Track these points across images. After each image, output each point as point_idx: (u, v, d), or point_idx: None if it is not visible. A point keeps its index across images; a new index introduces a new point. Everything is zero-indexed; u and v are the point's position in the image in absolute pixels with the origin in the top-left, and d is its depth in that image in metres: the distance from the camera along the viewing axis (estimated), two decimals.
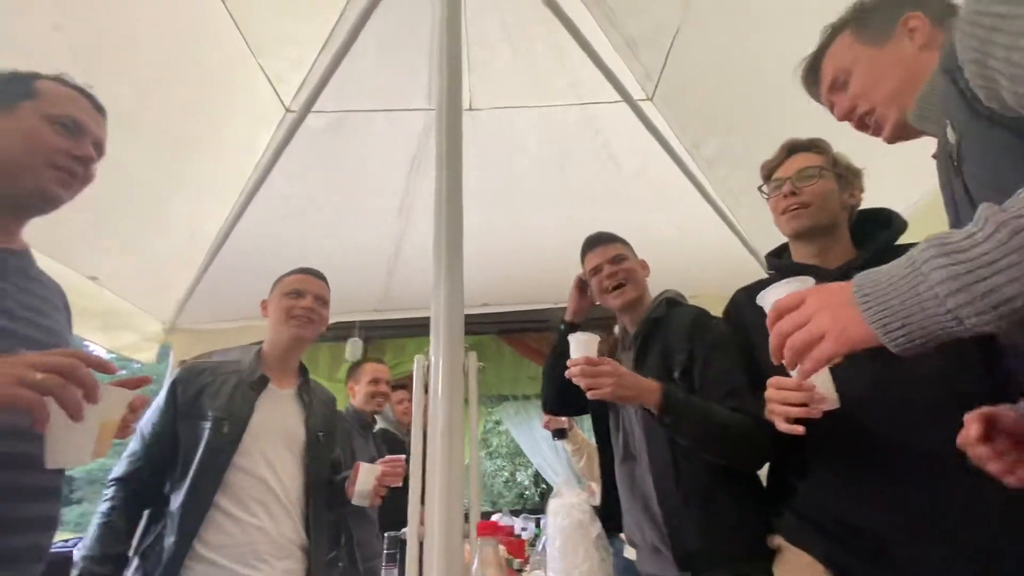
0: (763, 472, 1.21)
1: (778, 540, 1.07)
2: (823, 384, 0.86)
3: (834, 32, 0.84)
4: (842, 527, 0.96)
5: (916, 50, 0.74)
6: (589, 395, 1.12)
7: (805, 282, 0.80)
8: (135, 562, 1.32)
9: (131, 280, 2.28)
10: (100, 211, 1.88)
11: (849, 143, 1.09)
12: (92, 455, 0.82)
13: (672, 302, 1.40)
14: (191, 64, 1.75)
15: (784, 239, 1.23)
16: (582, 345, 1.15)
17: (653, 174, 2.40)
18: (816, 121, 1.13)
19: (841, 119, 0.84)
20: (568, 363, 1.15)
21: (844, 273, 1.08)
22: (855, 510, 0.95)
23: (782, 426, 0.90)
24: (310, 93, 1.87)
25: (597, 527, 0.56)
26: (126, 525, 1.33)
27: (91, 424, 0.74)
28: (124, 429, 0.88)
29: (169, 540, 1.29)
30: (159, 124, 1.82)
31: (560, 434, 1.94)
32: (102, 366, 0.71)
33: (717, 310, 1.38)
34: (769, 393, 0.93)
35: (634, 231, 1.75)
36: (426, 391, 0.83)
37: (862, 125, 0.80)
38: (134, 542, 1.35)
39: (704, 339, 1.26)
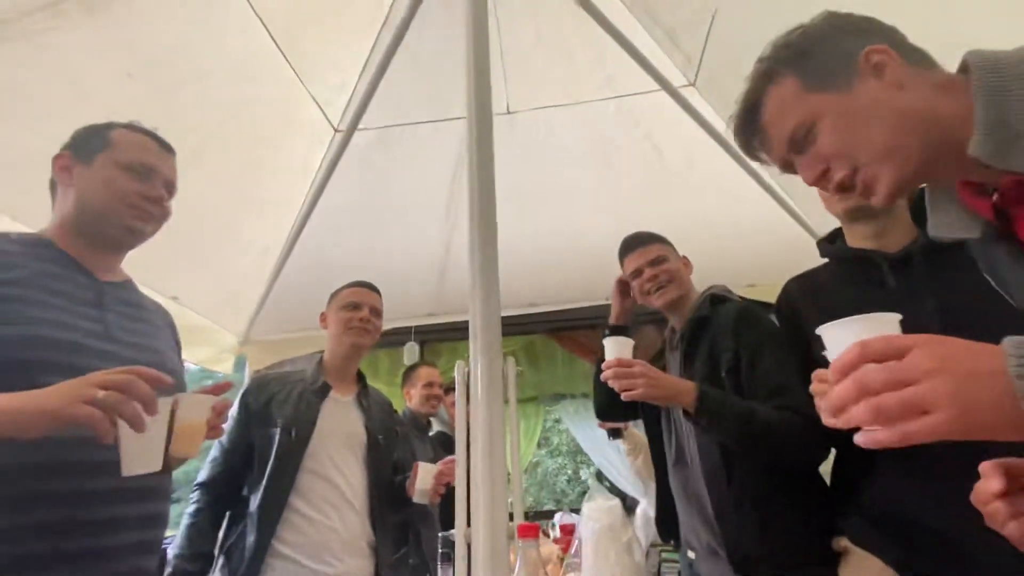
0: (827, 470, 1.15)
1: (844, 542, 1.01)
2: None
3: (768, 79, 0.68)
4: (917, 530, 0.89)
5: (892, 90, 0.60)
6: (623, 396, 1.12)
7: (888, 321, 0.61)
8: (220, 560, 1.44)
9: (208, 298, 2.49)
10: (178, 237, 2.06)
11: None
12: (177, 451, 0.90)
13: (716, 298, 1.34)
14: (249, 97, 1.90)
15: (838, 223, 1.16)
16: (616, 348, 1.15)
17: (699, 161, 2.33)
18: None
19: (812, 184, 0.67)
20: (602, 366, 1.15)
21: (906, 256, 1.00)
22: (930, 512, 0.88)
23: (828, 421, 0.84)
24: (355, 113, 1.96)
25: (629, 531, 0.55)
26: (211, 525, 1.45)
27: (156, 433, 0.81)
28: (213, 431, 0.96)
29: (250, 539, 1.40)
30: (226, 154, 1.97)
31: (615, 434, 1.92)
32: (157, 380, 0.77)
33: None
34: (813, 387, 0.88)
35: (682, 221, 1.71)
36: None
37: (842, 189, 0.65)
38: (218, 541, 1.47)
39: (750, 336, 1.21)
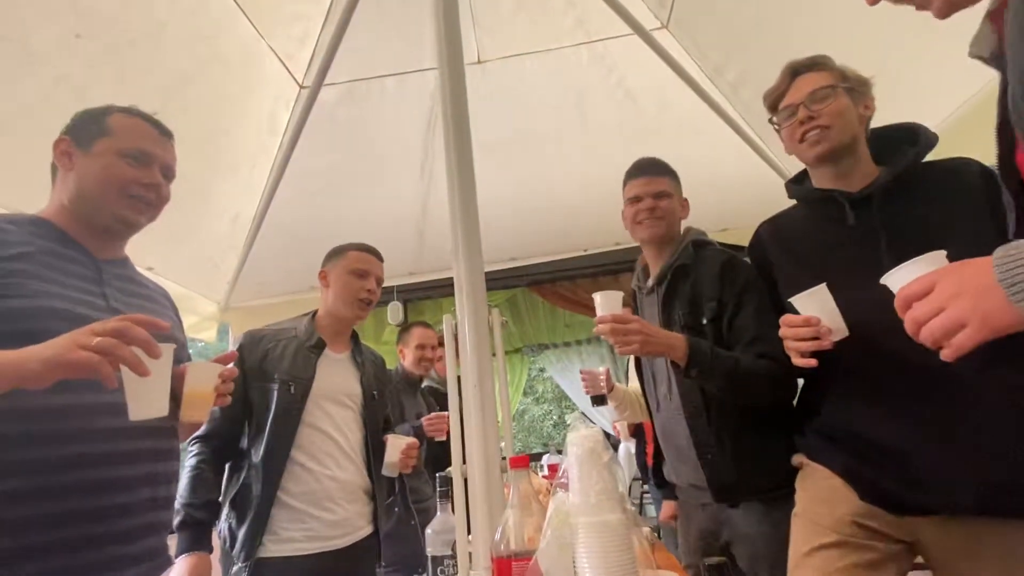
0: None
1: (800, 458, 1.12)
2: (830, 318, 0.88)
3: None
4: (860, 442, 0.99)
5: None
6: (619, 351, 1.15)
7: (936, 259, 0.69)
8: (225, 509, 1.50)
9: (184, 267, 2.45)
10: None
11: (884, 58, 1.00)
12: (189, 417, 0.94)
13: (698, 244, 1.37)
14: (208, 56, 1.81)
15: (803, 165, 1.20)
16: (607, 303, 1.15)
17: (673, 107, 2.33)
18: (844, 27, 0.99)
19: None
20: (596, 320, 1.16)
21: (866, 195, 1.05)
22: (873, 426, 0.98)
23: (797, 361, 0.92)
24: (320, 67, 1.89)
25: (609, 452, 0.62)
26: (213, 475, 1.49)
27: (160, 378, 0.82)
28: (221, 398, 1.01)
29: (256, 489, 1.46)
30: (189, 117, 1.89)
31: (599, 400, 1.97)
32: (152, 325, 0.79)
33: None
34: (782, 331, 0.96)
35: None
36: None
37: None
38: (221, 491, 1.53)
39: (733, 286, 1.25)
